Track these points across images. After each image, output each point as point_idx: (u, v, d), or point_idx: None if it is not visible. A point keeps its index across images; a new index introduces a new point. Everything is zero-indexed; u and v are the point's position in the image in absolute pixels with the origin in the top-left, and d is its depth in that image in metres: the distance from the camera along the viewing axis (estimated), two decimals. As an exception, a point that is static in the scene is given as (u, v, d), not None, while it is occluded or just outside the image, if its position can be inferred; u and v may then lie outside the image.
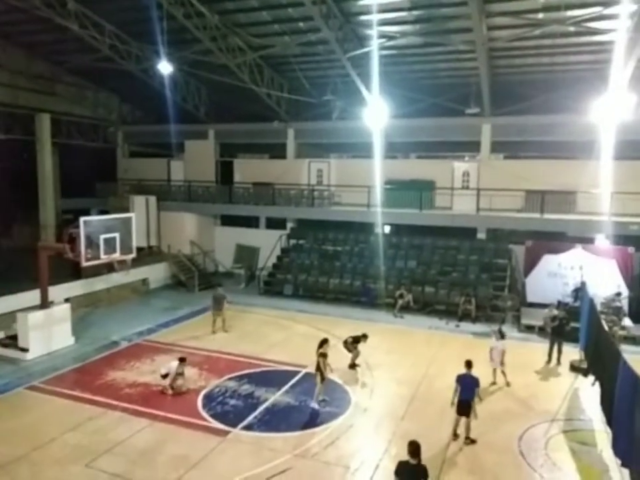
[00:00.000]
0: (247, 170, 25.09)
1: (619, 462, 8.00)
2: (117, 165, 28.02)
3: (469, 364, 9.91)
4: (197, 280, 21.89)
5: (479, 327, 16.79)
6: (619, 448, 8.11)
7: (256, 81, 20.33)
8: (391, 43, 17.39)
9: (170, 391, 11.49)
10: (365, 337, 13.15)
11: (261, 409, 10.83)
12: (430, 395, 11.59)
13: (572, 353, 13.62)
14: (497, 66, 18.94)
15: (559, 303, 16.76)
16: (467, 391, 9.50)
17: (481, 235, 20.87)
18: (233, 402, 11.20)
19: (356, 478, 8.41)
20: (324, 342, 11.55)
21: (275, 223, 24.09)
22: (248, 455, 8.98)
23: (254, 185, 23.68)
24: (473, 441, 9.45)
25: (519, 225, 19.44)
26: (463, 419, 9.51)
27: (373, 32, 16.35)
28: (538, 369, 13.31)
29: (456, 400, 9.53)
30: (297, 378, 12.48)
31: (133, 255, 15.23)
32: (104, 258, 14.08)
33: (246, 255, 24.11)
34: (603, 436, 9.53)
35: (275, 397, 11.46)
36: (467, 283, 18.82)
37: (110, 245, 14.09)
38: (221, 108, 24.40)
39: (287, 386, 12.00)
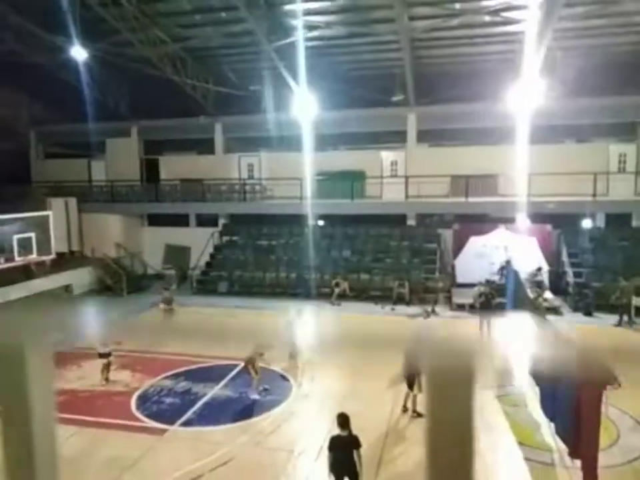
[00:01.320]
0: (174, 167, 24.31)
1: (547, 419, 8.44)
2: (30, 168, 26.21)
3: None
4: (125, 284, 20.88)
5: (413, 309, 17.23)
6: (546, 406, 8.58)
7: (179, 74, 19.72)
8: (317, 33, 17.46)
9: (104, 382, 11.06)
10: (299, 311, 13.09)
11: (199, 404, 10.47)
12: (371, 375, 11.66)
13: (501, 325, 14.23)
14: (419, 56, 19.53)
15: (487, 281, 17.58)
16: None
17: (411, 222, 21.46)
18: (169, 400, 10.75)
19: (300, 461, 8.31)
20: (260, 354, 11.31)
21: (205, 221, 23.51)
22: (187, 451, 8.62)
23: (182, 182, 22.98)
24: (419, 415, 9.62)
25: (445, 209, 20.21)
26: (411, 393, 9.68)
27: (298, 22, 16.34)
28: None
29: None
30: (235, 371, 12.16)
31: (52, 256, 14.27)
32: (19, 260, 13.09)
33: (176, 255, 23.34)
34: (532, 398, 10.01)
35: (214, 391, 11.12)
36: (399, 268, 19.27)
37: (25, 247, 13.13)
38: (144, 104, 23.43)
39: (226, 379, 11.69)
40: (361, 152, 22.16)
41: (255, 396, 10.67)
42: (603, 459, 7.09)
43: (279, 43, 17.32)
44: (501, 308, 15.05)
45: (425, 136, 21.81)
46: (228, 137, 23.78)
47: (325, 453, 8.37)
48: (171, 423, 9.63)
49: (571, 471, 7.50)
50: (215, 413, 10.04)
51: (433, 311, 17.18)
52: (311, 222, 21.42)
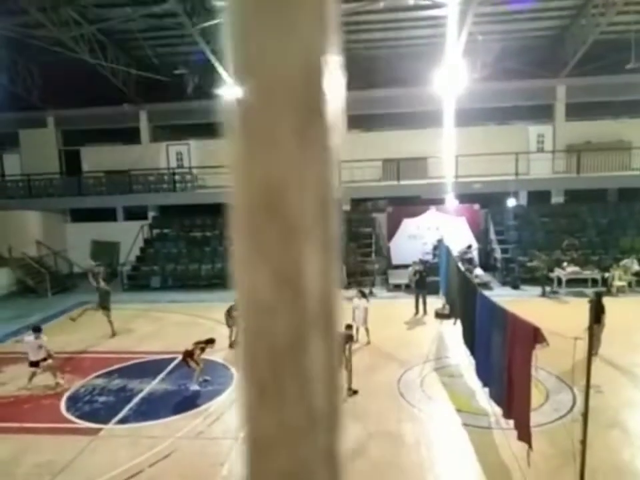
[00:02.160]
0: (97, 158, 23.00)
1: (482, 384, 8.78)
2: None
3: (348, 326, 10.21)
4: (48, 283, 19.59)
5: (351, 292, 17.37)
6: (480, 372, 8.90)
7: (98, 58, 18.60)
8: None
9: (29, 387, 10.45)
10: None
11: (135, 400, 10.01)
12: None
13: (436, 302, 14.74)
14: (348, 40, 19.55)
15: (421, 261, 18.09)
16: None
17: (346, 207, 21.61)
18: (102, 399, 10.19)
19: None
20: (210, 341, 10.93)
21: (134, 214, 22.51)
22: (124, 448, 8.21)
23: (107, 174, 21.80)
24: (355, 392, 9.72)
25: (379, 193, 20.50)
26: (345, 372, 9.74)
27: (222, 3, 15.84)
28: (407, 320, 14.18)
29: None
30: (173, 364, 11.75)
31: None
32: None
33: (104, 251, 22.19)
34: (468, 367, 10.40)
35: (151, 386, 10.68)
36: (337, 253, 19.36)
37: None
38: (61, 92, 21.93)
39: (164, 374, 11.26)
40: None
41: (196, 387, 10.35)
42: (534, 418, 7.47)
43: (203, 24, 16.72)
44: (435, 285, 15.59)
45: (355, 121, 21.95)
46: (154, 126, 22.83)
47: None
48: (106, 422, 9.14)
49: (506, 432, 7.84)
50: (154, 408, 9.64)
51: (371, 293, 17.43)
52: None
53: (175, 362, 11.82)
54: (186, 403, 9.82)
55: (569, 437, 6.95)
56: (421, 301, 14.79)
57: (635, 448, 7.67)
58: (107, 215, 22.61)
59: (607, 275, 16.43)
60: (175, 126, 22.84)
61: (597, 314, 10.95)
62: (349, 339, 9.89)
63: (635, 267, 16.62)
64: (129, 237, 21.07)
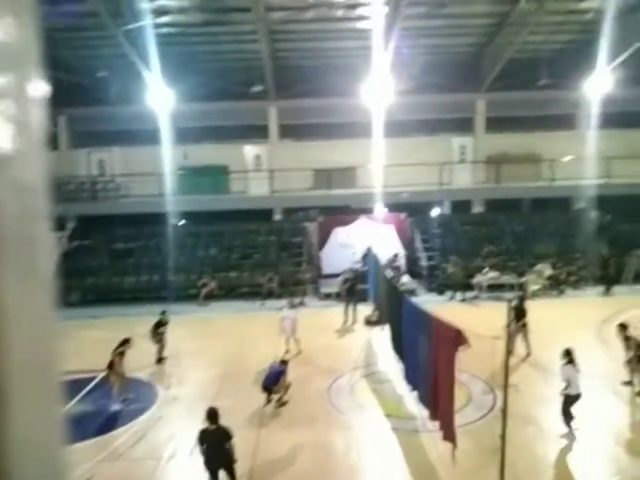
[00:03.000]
0: (9, 165, 21.44)
1: (410, 388, 8.97)
2: None
3: (283, 362, 9.86)
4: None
5: (284, 302, 17.25)
6: (408, 377, 9.10)
7: (9, 58, 17.40)
8: (169, 19, 16.61)
9: None
10: (163, 313, 12.34)
11: (50, 423, 9.30)
12: (241, 371, 11.45)
13: (365, 310, 14.96)
14: (278, 49, 19.64)
15: (351, 269, 18.32)
16: (269, 378, 9.44)
17: (278, 216, 21.57)
18: (12, 424, 9.38)
19: (170, 466, 7.79)
20: (125, 342, 10.42)
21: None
22: (36, 476, 7.58)
23: (20, 182, 20.34)
24: (283, 403, 9.61)
25: (310, 202, 20.64)
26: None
27: (147, 5, 15.38)
28: (338, 328, 14.28)
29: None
30: (93, 383, 11.09)
31: None
32: None
33: (19, 263, 20.65)
34: (396, 372, 10.59)
35: (68, 407, 9.97)
36: (268, 263, 19.24)
37: None
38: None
39: (82, 394, 10.58)
40: (224, 146, 21.63)
41: (116, 407, 9.80)
42: (459, 419, 7.71)
43: (128, 27, 16.14)
44: (364, 293, 15.85)
45: (287, 130, 22.05)
46: (74, 131, 21.67)
47: (198, 454, 8.01)
48: (15, 449, 8.40)
49: (433, 434, 8.04)
50: (70, 431, 8.93)
51: (302, 302, 17.41)
52: (173, 220, 20.41)
53: (95, 381, 11.19)
54: (107, 424, 9.27)
55: (491, 435, 7.24)
56: (350, 308, 14.94)
57: (549, 442, 8.11)
58: (20, 225, 21.05)
59: (522, 279, 17.42)
60: (97, 132, 21.78)
61: (519, 316, 11.68)
62: (284, 373, 9.67)
63: (548, 272, 17.76)
64: (45, 248, 19.70)
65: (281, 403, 9.58)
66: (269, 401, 9.66)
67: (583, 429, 8.45)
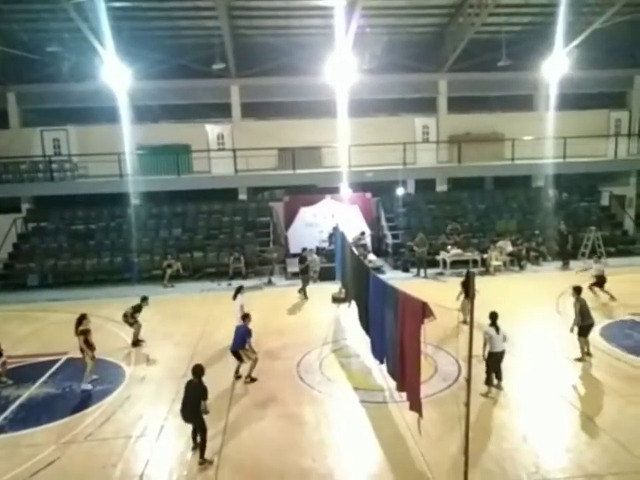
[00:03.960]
0: (-45, 144, 20.35)
1: (378, 362, 9.14)
2: None
3: (245, 316, 9.98)
4: None
5: (250, 282, 17.23)
6: (376, 350, 9.26)
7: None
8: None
9: None
10: (145, 299, 12.12)
11: (12, 408, 9.04)
12: (209, 349, 11.41)
13: (332, 287, 15.11)
14: (238, 26, 19.19)
15: (317, 248, 18.43)
16: (236, 341, 9.64)
17: (243, 196, 21.34)
18: (-30, 411, 9.08)
19: (140, 444, 7.71)
20: (82, 318, 10.16)
21: (4, 206, 20.18)
22: (0, 461, 7.39)
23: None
24: (253, 380, 9.66)
25: (275, 181, 20.50)
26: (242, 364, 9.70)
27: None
28: (305, 307, 14.40)
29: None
30: (56, 366, 10.85)
31: None
32: None
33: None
34: (363, 347, 10.74)
35: (30, 391, 9.72)
36: (234, 243, 19.08)
37: None
38: None
39: (45, 376, 10.32)
40: (185, 125, 21.07)
41: (86, 387, 9.61)
42: (425, 390, 7.92)
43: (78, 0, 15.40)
44: (331, 272, 16.01)
45: (250, 109, 21.68)
46: (25, 109, 20.70)
47: (167, 430, 8.00)
48: (-25, 435, 8.15)
49: (400, 405, 8.26)
50: (34, 414, 8.77)
51: (270, 282, 17.42)
52: (134, 201, 19.91)
53: (59, 363, 10.95)
54: (72, 405, 9.06)
55: (455, 404, 7.49)
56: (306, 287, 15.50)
57: (511, 409, 8.45)
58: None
59: (485, 256, 17.92)
60: (50, 110, 20.82)
61: (467, 289, 12.12)
62: (250, 333, 9.75)
63: (509, 248, 18.32)
64: (-1, 231, 18.95)
65: (251, 379, 9.63)
66: (237, 376, 9.71)
67: (539, 395, 8.87)
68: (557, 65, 18.97)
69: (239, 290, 11.81)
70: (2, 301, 16.16)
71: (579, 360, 10.12)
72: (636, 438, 7.40)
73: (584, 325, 10.04)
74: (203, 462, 7.05)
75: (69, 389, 9.74)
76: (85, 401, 9.21)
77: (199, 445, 7.15)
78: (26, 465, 7.15)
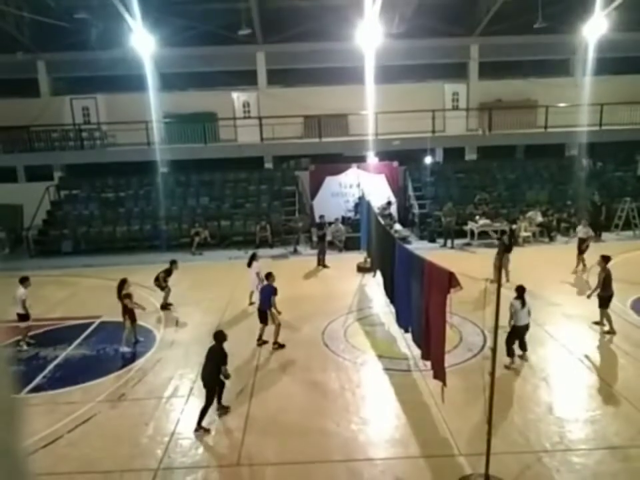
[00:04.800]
0: (-11, 112, 20.77)
1: (403, 331, 9.19)
2: None
3: (268, 275, 10.14)
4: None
5: (277, 251, 17.41)
6: (401, 319, 9.30)
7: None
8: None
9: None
10: (174, 262, 12.41)
11: (50, 367, 9.49)
12: (236, 317, 11.66)
13: (357, 257, 15.13)
14: (262, -11, 18.82)
15: (343, 218, 18.39)
16: (263, 301, 9.84)
17: (268, 165, 21.31)
18: (10, 369, 9.55)
19: (170, 404, 8.02)
20: (123, 282, 10.45)
21: (37, 174, 20.73)
22: (40, 416, 7.77)
23: (2, 130, 19.76)
24: (281, 346, 9.84)
25: (301, 150, 20.36)
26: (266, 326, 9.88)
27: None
28: (330, 275, 14.51)
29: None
30: (90, 329, 11.27)
31: None
32: None
33: (5, 215, 20.36)
34: (388, 316, 10.84)
35: (67, 352, 10.16)
36: (260, 212, 19.19)
37: None
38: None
39: (80, 339, 10.75)
40: (211, 93, 21.00)
41: (126, 349, 10.00)
42: (449, 359, 7.96)
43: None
44: (356, 241, 16.04)
45: (275, 76, 21.42)
46: (54, 77, 20.93)
47: (196, 393, 8.27)
48: (16, 392, 8.59)
49: (424, 373, 8.33)
50: (70, 374, 9.19)
51: (295, 251, 17.54)
52: (161, 169, 20.13)
53: (93, 326, 11.36)
54: (106, 367, 9.43)
55: (480, 373, 7.51)
56: (322, 253, 15.65)
57: (536, 379, 8.43)
58: (5, 175, 20.63)
59: (514, 226, 17.57)
60: (79, 78, 21.02)
61: (508, 246, 12.47)
62: (275, 292, 9.91)
63: (539, 219, 17.91)
64: (32, 199, 19.41)
65: (279, 345, 9.81)
66: (261, 342, 9.91)
67: (565, 366, 8.82)
68: (596, 27, 18.06)
69: (254, 257, 11.99)
70: (37, 266, 16.70)
71: (597, 324, 10.13)
72: (664, 412, 7.32)
73: (604, 295, 9.92)
74: (199, 429, 7.13)
75: (103, 351, 10.13)
76: (118, 363, 9.58)
77: (200, 412, 7.19)
78: (64, 421, 7.53)
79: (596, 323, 10.25)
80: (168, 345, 10.30)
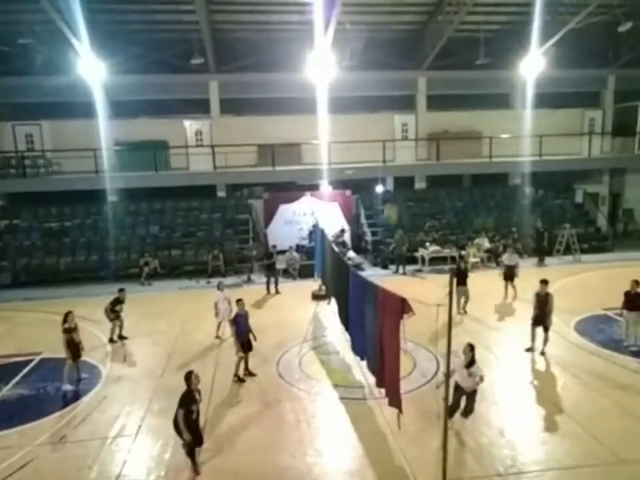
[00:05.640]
0: None
1: (358, 359, 9.16)
2: None
3: (239, 300, 10.00)
4: None
5: (230, 280, 17.10)
6: (356, 347, 9.27)
7: None
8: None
9: None
10: (122, 290, 11.94)
11: (-18, 410, 8.83)
12: (188, 348, 11.30)
13: (312, 285, 15.10)
14: (217, 21, 19.00)
15: (297, 246, 18.39)
16: (245, 331, 9.65)
17: (221, 193, 21.16)
18: (-62, 413, 8.81)
19: (115, 444, 7.58)
20: (67, 315, 9.92)
21: (-25, 203, 19.68)
22: (-30, 464, 7.19)
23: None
24: (242, 380, 9.62)
25: (254, 178, 20.37)
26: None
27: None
28: (285, 304, 14.37)
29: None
30: (29, 367, 10.61)
31: None
32: None
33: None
34: (343, 343, 10.81)
35: (3, 392, 9.49)
36: (213, 241, 18.91)
37: None
38: None
39: (18, 377, 10.08)
40: (163, 121, 20.74)
41: (68, 387, 9.42)
42: (405, 385, 7.99)
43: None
44: (310, 269, 16.04)
45: (229, 105, 21.46)
46: (-5, 102, 20.15)
47: (145, 430, 7.89)
48: (-56, 438, 7.91)
49: (379, 401, 8.29)
50: (5, 416, 8.55)
51: (249, 279, 17.33)
52: (110, 198, 19.57)
53: (32, 364, 10.71)
54: (46, 407, 8.84)
55: (435, 399, 7.55)
56: (272, 281, 15.67)
57: (489, 402, 8.55)
58: (-61, 204, 19.50)
59: (463, 252, 18.10)
60: (22, 104, 20.28)
61: (461, 278, 12.52)
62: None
63: (486, 245, 18.54)
64: (-31, 229, 18.40)
65: (239, 379, 9.61)
66: (248, 372, 9.74)
67: (515, 390, 9.01)
68: (533, 64, 19.23)
69: (220, 286, 12.01)
70: (-27, 300, 15.73)
71: (528, 350, 10.45)
72: (608, 430, 7.57)
73: (534, 316, 10.36)
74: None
75: (43, 390, 9.52)
76: (59, 403, 9.02)
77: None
78: (-2, 468, 6.98)
79: (528, 350, 10.50)
80: (114, 381, 9.82)
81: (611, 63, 22.52)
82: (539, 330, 10.42)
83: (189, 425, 6.57)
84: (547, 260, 18.56)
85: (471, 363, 7.52)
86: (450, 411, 7.09)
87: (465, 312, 12.83)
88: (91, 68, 17.04)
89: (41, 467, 7.05)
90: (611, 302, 11.94)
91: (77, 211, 19.85)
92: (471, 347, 7.60)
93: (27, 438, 7.79)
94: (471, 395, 7.70)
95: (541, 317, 10.28)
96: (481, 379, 7.56)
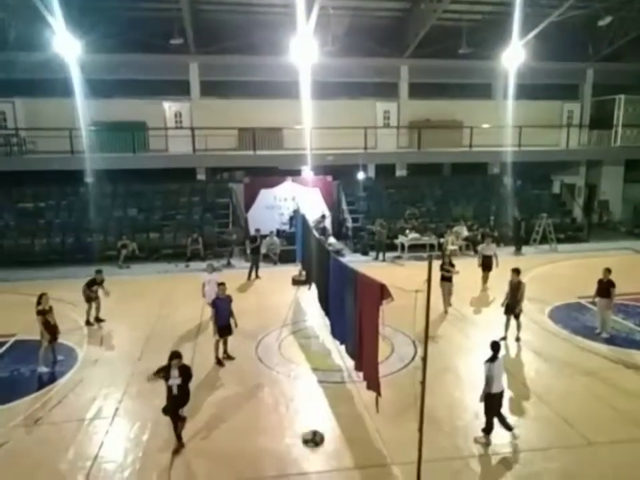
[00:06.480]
0: None
1: (338, 343, 9.23)
2: None
3: (221, 284, 9.93)
4: None
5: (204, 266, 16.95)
6: (336, 331, 9.33)
7: None
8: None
9: None
10: (99, 272, 11.79)
11: (-45, 392, 8.65)
12: (165, 331, 11.23)
13: (292, 270, 15.11)
14: (198, 1, 18.59)
15: (278, 231, 18.34)
16: (226, 317, 9.59)
17: (201, 176, 20.91)
18: None
19: (92, 426, 7.53)
20: (40, 297, 9.73)
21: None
22: (-58, 447, 7.07)
23: None
24: (221, 363, 9.61)
25: (235, 162, 20.15)
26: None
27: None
28: (265, 289, 14.34)
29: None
30: (3, 348, 10.42)
31: None
32: None
33: None
34: (323, 328, 10.88)
35: (-23, 374, 9.32)
36: (192, 224, 18.73)
37: None
38: None
39: (-8, 359, 9.91)
40: (141, 101, 20.26)
41: (43, 369, 9.28)
42: (383, 369, 8.08)
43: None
44: (292, 254, 16.01)
45: (209, 87, 21.11)
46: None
47: (122, 413, 7.85)
48: None
49: (358, 385, 8.39)
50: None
51: (229, 263, 17.25)
52: (87, 179, 19.17)
53: (6, 346, 10.52)
54: (20, 389, 8.72)
55: (412, 382, 7.67)
56: (253, 267, 15.67)
57: (465, 387, 8.74)
58: None
59: (441, 240, 18.30)
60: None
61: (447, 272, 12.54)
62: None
63: (465, 233, 18.78)
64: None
65: (228, 357, 9.67)
66: (229, 356, 9.74)
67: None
68: (514, 55, 19.34)
69: (214, 267, 12.07)
70: (-57, 282, 15.32)
71: (502, 339, 10.46)
72: (578, 413, 7.81)
73: (507, 304, 10.53)
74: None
75: (17, 372, 9.38)
76: (34, 385, 8.89)
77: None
78: (-29, 451, 6.87)
79: (502, 339, 10.62)
80: (91, 363, 9.72)
81: (590, 57, 22.82)
82: (512, 318, 10.63)
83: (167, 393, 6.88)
84: (524, 249, 18.89)
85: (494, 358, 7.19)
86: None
87: (450, 304, 12.65)
88: (66, 45, 16.53)
89: (15, 449, 6.97)
90: (585, 290, 12.25)
91: (52, 192, 19.41)
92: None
93: (0, 420, 7.68)
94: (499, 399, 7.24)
95: (513, 305, 10.49)
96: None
